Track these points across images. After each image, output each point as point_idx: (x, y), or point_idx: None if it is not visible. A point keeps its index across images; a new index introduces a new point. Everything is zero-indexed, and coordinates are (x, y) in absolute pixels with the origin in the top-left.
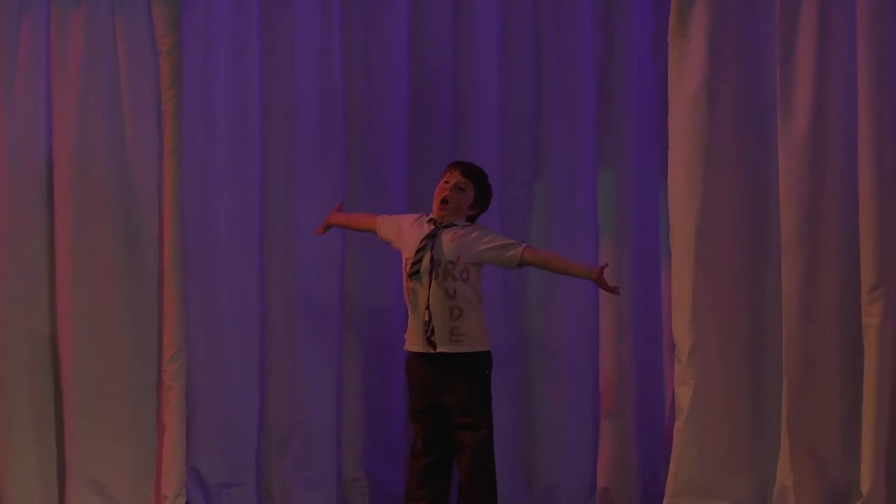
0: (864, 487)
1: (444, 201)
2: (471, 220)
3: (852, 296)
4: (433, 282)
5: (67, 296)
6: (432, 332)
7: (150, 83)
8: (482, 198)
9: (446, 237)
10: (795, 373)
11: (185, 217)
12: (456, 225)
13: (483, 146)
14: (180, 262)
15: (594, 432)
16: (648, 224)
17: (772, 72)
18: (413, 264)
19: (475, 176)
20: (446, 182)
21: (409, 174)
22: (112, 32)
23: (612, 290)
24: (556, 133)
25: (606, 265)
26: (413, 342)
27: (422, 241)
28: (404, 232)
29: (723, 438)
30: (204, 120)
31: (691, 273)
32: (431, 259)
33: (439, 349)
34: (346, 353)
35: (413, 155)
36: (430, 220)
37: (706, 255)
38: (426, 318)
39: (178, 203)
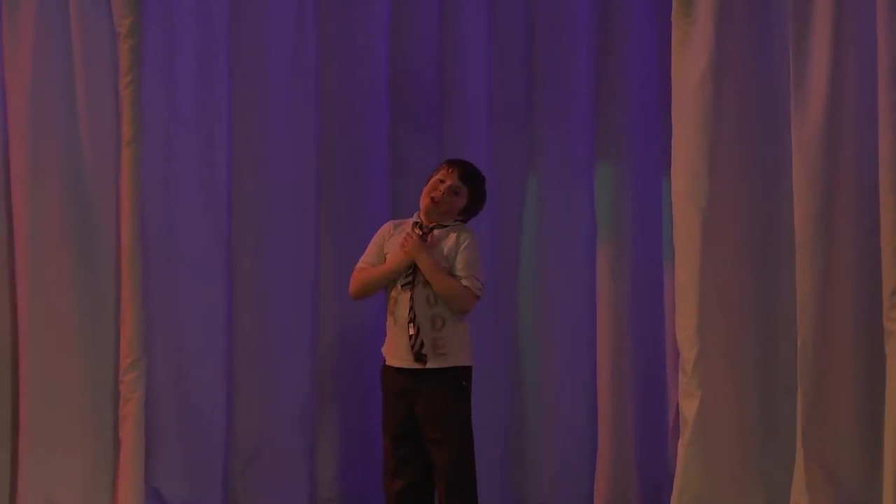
0: None
1: (434, 201)
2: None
3: (872, 299)
4: (414, 289)
5: (20, 298)
6: (421, 345)
7: (106, 67)
8: (474, 205)
9: (430, 241)
10: (811, 383)
11: (144, 213)
12: (446, 226)
13: (470, 139)
14: (139, 261)
15: (591, 448)
16: (650, 222)
17: (784, 54)
18: None
19: (473, 180)
20: (441, 181)
21: (390, 172)
22: (66, 11)
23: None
24: (549, 124)
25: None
26: (394, 356)
27: None
28: (388, 243)
29: (731, 454)
30: (166, 108)
31: (696, 275)
32: (414, 266)
33: (421, 364)
34: (321, 363)
35: (394, 149)
36: (416, 222)
37: (713, 255)
38: (413, 332)
39: (138, 198)
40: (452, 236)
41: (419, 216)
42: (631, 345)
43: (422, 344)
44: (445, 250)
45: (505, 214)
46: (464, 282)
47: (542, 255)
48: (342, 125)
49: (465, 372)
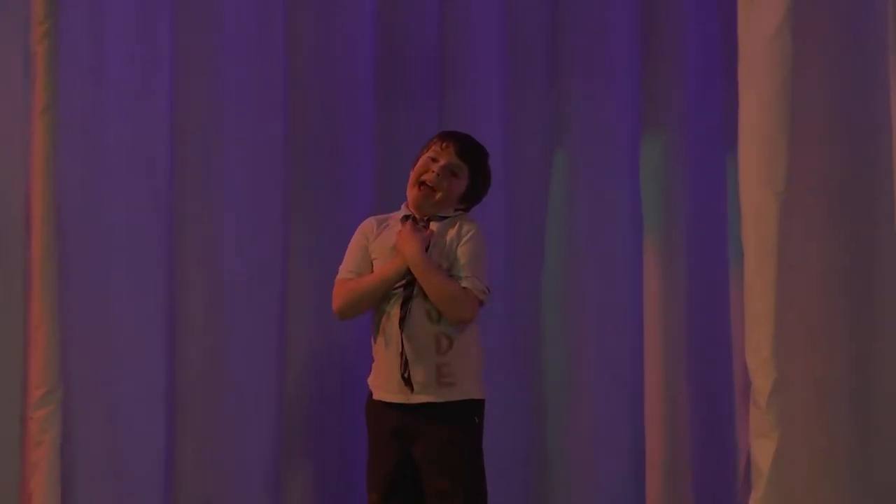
0: None
1: (426, 188)
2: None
3: None
4: (413, 300)
5: None
6: (406, 366)
7: (15, 15)
8: (477, 189)
9: (429, 233)
10: None
11: (62, 203)
12: (446, 217)
13: (479, 109)
14: (56, 264)
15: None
16: (710, 213)
17: None
18: None
19: (474, 156)
20: (433, 159)
21: (377, 155)
22: None
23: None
24: (581, 89)
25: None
26: (384, 388)
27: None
28: (373, 244)
29: None
30: (91, 69)
31: (772, 281)
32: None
33: (422, 398)
34: (288, 396)
35: (382, 124)
36: (407, 216)
37: (793, 255)
38: (400, 350)
39: (53, 181)
40: (453, 229)
41: (407, 208)
42: (688, 370)
43: (406, 363)
44: (446, 246)
45: (524, 206)
46: (463, 283)
47: (571, 257)
48: (317, 94)
49: (477, 407)
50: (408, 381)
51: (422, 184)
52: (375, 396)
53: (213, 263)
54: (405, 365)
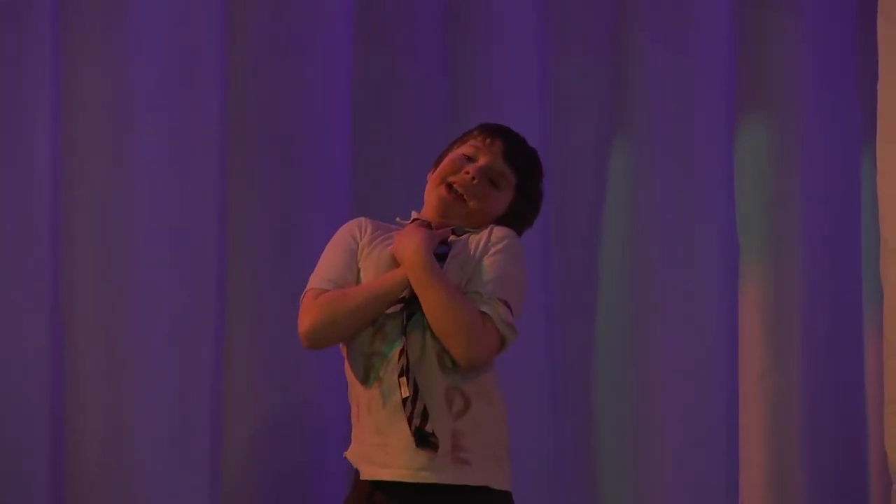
0: None
1: (453, 191)
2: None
3: None
4: (423, 335)
5: None
6: (423, 416)
7: None
8: (521, 210)
9: (450, 257)
10: None
11: None
12: (468, 232)
13: (505, 77)
14: None
15: None
16: (837, 230)
17: None
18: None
19: (527, 164)
20: (468, 157)
21: (355, 150)
22: None
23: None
24: (653, 54)
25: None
26: (375, 460)
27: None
28: (365, 253)
29: None
30: None
31: None
32: (411, 297)
33: (427, 477)
34: (228, 485)
35: (363, 101)
36: (416, 220)
37: None
38: (407, 394)
39: None
40: (479, 238)
41: (420, 214)
42: (801, 465)
43: (424, 414)
44: (468, 260)
45: (569, 222)
46: (483, 305)
47: (637, 295)
48: (268, 55)
49: (505, 501)
50: (425, 439)
51: (449, 188)
52: (364, 475)
53: (117, 298)
54: (422, 415)
